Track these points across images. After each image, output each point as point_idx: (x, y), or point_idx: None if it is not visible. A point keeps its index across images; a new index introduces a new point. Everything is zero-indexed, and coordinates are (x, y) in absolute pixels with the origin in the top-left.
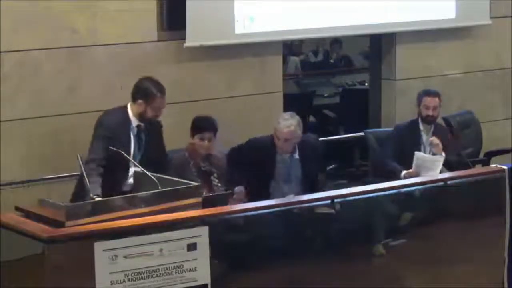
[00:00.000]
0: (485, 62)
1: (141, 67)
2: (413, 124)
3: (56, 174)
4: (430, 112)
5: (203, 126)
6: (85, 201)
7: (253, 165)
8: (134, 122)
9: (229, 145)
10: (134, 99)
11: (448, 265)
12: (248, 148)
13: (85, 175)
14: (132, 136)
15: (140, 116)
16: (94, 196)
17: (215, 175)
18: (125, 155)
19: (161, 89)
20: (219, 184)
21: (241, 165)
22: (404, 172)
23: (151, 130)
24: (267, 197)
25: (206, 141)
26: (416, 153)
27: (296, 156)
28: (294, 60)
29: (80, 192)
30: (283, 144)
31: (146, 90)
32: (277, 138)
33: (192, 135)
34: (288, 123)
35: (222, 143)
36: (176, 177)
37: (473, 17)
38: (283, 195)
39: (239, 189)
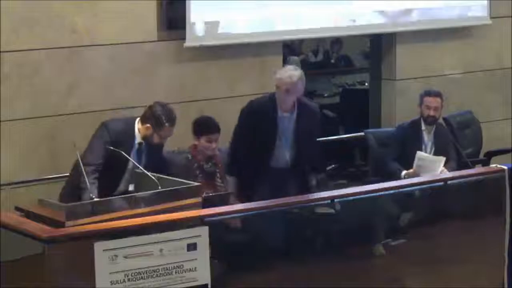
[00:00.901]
0: (485, 62)
1: (141, 67)
2: (415, 124)
3: (56, 174)
4: (431, 112)
5: (211, 127)
6: (79, 200)
7: (256, 127)
8: (138, 138)
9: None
10: (143, 121)
11: (448, 265)
12: (249, 110)
13: (85, 174)
14: (133, 151)
15: (145, 138)
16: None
17: (218, 175)
18: (125, 154)
19: (171, 118)
20: (222, 184)
21: (245, 131)
22: (404, 172)
23: (152, 148)
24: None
25: (213, 143)
26: (418, 152)
27: (294, 115)
28: (294, 60)
29: (70, 192)
30: (285, 96)
31: (157, 118)
32: (278, 88)
33: (198, 136)
34: (290, 74)
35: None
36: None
37: (473, 17)
38: (277, 157)
39: (232, 180)
